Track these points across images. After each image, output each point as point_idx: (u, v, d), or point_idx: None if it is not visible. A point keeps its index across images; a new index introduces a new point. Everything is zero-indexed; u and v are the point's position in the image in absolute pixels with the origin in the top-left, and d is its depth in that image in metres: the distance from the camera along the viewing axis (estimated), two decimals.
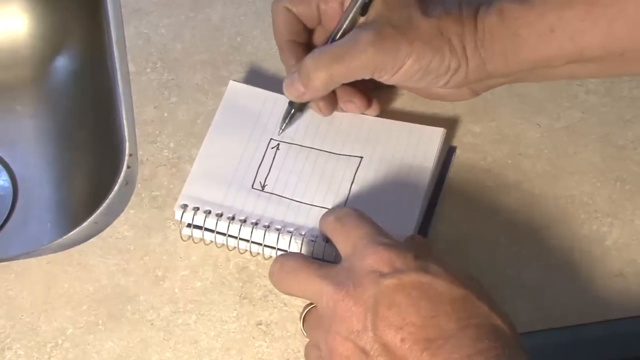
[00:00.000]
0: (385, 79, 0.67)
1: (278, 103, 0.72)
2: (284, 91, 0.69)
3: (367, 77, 0.67)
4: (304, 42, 0.71)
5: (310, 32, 0.72)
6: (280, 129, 0.71)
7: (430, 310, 0.53)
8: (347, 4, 0.68)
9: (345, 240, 0.60)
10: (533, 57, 0.65)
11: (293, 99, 0.70)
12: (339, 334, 0.55)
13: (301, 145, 0.71)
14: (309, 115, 0.72)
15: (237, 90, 0.74)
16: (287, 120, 0.71)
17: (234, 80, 0.75)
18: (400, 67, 0.65)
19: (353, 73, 0.66)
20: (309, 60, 0.67)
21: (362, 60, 0.65)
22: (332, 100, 0.71)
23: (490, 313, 0.54)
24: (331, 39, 0.68)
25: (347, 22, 0.67)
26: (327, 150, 0.71)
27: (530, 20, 0.64)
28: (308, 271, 0.58)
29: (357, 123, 0.72)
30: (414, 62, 0.65)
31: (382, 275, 0.55)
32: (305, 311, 0.61)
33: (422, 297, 0.54)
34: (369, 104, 0.71)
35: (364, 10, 0.66)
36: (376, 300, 0.54)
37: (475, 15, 0.66)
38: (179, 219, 0.67)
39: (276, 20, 0.71)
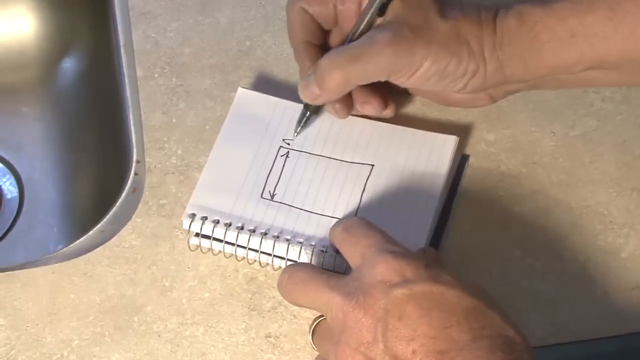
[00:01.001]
0: (401, 81, 0.65)
1: (288, 110, 0.71)
2: (300, 93, 0.68)
3: (382, 79, 0.66)
4: (320, 43, 0.70)
5: (326, 33, 0.70)
6: (295, 132, 0.70)
7: (442, 321, 0.52)
8: (364, 4, 0.67)
9: (354, 251, 0.59)
10: (552, 62, 0.64)
11: (308, 102, 0.68)
12: (348, 345, 0.54)
13: (311, 153, 0.70)
14: (319, 123, 0.71)
15: (246, 97, 0.72)
16: (302, 123, 0.70)
17: (243, 87, 0.73)
18: (417, 70, 0.64)
19: (369, 75, 0.65)
20: (324, 61, 0.65)
21: (378, 62, 0.64)
22: (348, 102, 0.69)
23: (502, 324, 0.53)
24: (348, 40, 0.67)
25: (364, 22, 0.66)
26: (338, 158, 0.69)
27: (551, 25, 0.63)
28: (317, 282, 0.57)
29: (368, 130, 0.71)
30: (431, 65, 0.64)
31: (392, 285, 0.54)
32: (315, 323, 0.60)
33: (433, 307, 0.53)
34: (385, 105, 0.70)
35: (381, 10, 0.65)
36: (386, 311, 0.53)
37: (494, 18, 0.65)
38: (187, 228, 0.66)
39: (292, 21, 0.70)
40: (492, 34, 0.64)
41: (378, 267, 0.55)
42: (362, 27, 0.66)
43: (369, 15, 0.66)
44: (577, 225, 0.68)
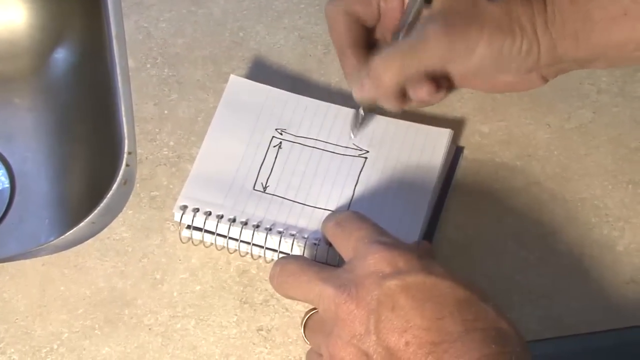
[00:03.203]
0: (457, 69, 0.65)
1: (280, 99, 0.71)
2: (355, 95, 0.67)
3: (437, 68, 0.64)
4: (366, 43, 0.68)
5: (370, 31, 0.69)
6: (353, 134, 0.69)
7: (435, 312, 0.52)
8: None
9: (346, 244, 0.59)
10: (605, 41, 0.63)
11: (364, 100, 0.67)
12: (340, 337, 0.53)
13: (304, 145, 0.69)
14: (312, 113, 0.70)
15: (238, 85, 0.72)
16: (358, 125, 0.69)
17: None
18: (472, 54, 0.63)
19: (424, 65, 0.64)
20: (379, 60, 0.64)
21: (433, 52, 0.63)
22: (402, 93, 0.67)
23: (496, 316, 0.53)
24: (397, 34, 0.66)
25: (411, 14, 0.65)
26: (331, 150, 0.69)
27: (603, 3, 0.62)
28: (309, 274, 0.57)
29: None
30: (486, 47, 0.63)
31: (385, 276, 0.53)
32: (307, 316, 0.59)
33: (426, 298, 0.52)
34: (437, 87, 0.66)
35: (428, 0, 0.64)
36: (379, 302, 0.53)
37: None
38: (179, 220, 0.66)
39: (335, 26, 0.68)
40: (543, 12, 0.63)
41: (370, 259, 0.55)
42: (410, 19, 0.65)
43: (416, 6, 0.64)
44: (572, 218, 0.68)
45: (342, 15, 0.68)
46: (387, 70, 0.64)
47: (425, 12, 0.65)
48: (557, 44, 0.64)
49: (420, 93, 0.67)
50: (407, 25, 0.65)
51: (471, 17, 0.63)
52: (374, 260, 0.55)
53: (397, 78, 0.64)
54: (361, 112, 0.69)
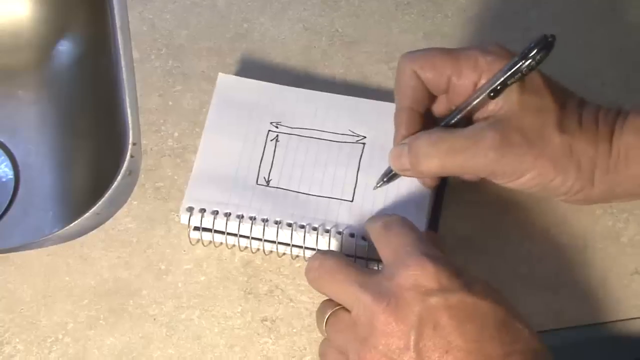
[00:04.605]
0: (498, 182, 0.62)
1: (273, 93, 0.70)
2: (389, 159, 0.65)
3: (480, 177, 0.63)
4: (423, 110, 0.65)
5: (432, 98, 0.66)
6: (377, 185, 0.66)
7: (475, 334, 0.52)
8: (481, 84, 0.62)
9: (387, 247, 0.58)
10: None
11: (395, 171, 0.65)
12: (375, 349, 0.53)
13: (301, 136, 0.69)
14: (304, 104, 0.70)
15: (228, 83, 0.71)
16: (385, 180, 0.66)
17: (223, 73, 0.72)
18: (518, 178, 0.61)
19: (466, 170, 0.62)
20: (424, 142, 0.62)
21: (480, 162, 0.60)
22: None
23: (531, 337, 0.53)
24: (453, 115, 0.63)
25: (473, 104, 0.62)
26: (328, 139, 0.69)
27: None
28: (347, 275, 0.56)
29: (356, 107, 0.70)
30: (534, 177, 0.61)
31: (427, 292, 0.53)
32: (331, 311, 0.58)
33: (467, 319, 0.52)
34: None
35: (495, 93, 0.61)
36: (421, 319, 0.52)
37: (612, 133, 0.61)
38: (187, 223, 0.65)
39: (400, 82, 0.65)
40: (608, 153, 0.60)
41: (411, 269, 0.54)
42: (470, 107, 0.62)
43: (477, 101, 0.62)
44: (576, 209, 0.68)
45: (410, 77, 0.64)
46: (429, 159, 0.62)
47: (492, 107, 0.62)
48: (615, 186, 0.61)
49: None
50: (466, 111, 0.63)
51: (532, 143, 0.60)
52: (415, 272, 0.54)
53: (435, 170, 0.62)
54: (391, 170, 0.66)
